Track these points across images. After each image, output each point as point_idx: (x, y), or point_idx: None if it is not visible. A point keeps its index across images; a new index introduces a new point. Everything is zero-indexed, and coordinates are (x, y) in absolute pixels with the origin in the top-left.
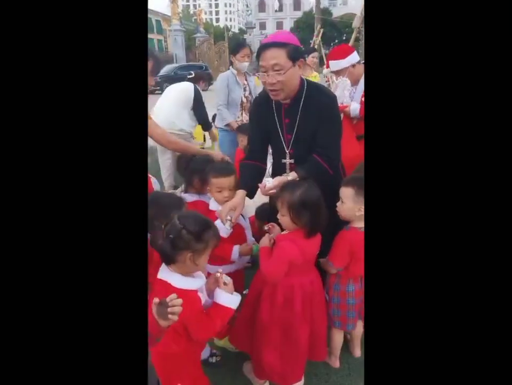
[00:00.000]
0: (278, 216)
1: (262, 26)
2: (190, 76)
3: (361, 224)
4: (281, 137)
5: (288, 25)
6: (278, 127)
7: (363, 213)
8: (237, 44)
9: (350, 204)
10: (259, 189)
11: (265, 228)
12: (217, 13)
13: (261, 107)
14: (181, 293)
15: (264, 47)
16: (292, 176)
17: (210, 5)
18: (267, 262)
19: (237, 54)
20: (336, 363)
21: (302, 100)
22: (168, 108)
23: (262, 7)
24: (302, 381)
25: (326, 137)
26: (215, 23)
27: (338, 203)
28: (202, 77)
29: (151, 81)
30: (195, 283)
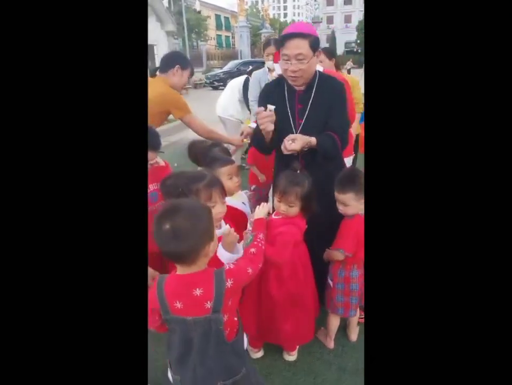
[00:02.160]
0: (283, 207)
1: (329, 20)
2: (248, 70)
3: (362, 210)
4: (292, 123)
5: (357, 18)
6: (289, 113)
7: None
8: (264, 42)
9: (355, 204)
10: None
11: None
12: (285, 8)
13: (273, 94)
14: None
15: (289, 36)
16: (313, 140)
17: (279, 0)
18: (273, 249)
19: (264, 52)
20: (331, 344)
21: (315, 87)
22: (224, 98)
23: (330, 0)
24: (296, 355)
25: (338, 120)
26: (282, 19)
27: (341, 208)
28: None
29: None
30: None
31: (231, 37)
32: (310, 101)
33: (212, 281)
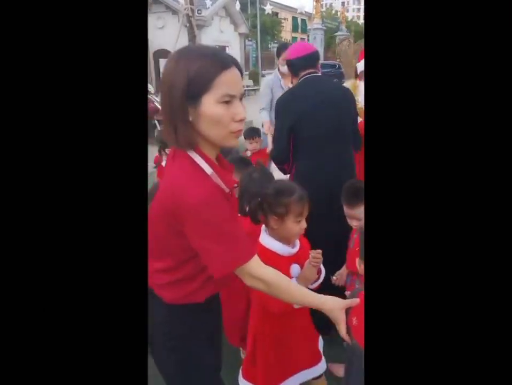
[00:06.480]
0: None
1: None
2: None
3: None
4: None
5: None
6: None
7: None
8: (280, 47)
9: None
10: None
11: None
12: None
13: None
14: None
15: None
16: None
17: (359, 2)
18: None
19: (280, 57)
20: (340, 372)
21: None
22: None
23: None
24: None
25: None
26: (361, 21)
27: (355, 223)
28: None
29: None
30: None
31: (306, 39)
32: None
33: None
